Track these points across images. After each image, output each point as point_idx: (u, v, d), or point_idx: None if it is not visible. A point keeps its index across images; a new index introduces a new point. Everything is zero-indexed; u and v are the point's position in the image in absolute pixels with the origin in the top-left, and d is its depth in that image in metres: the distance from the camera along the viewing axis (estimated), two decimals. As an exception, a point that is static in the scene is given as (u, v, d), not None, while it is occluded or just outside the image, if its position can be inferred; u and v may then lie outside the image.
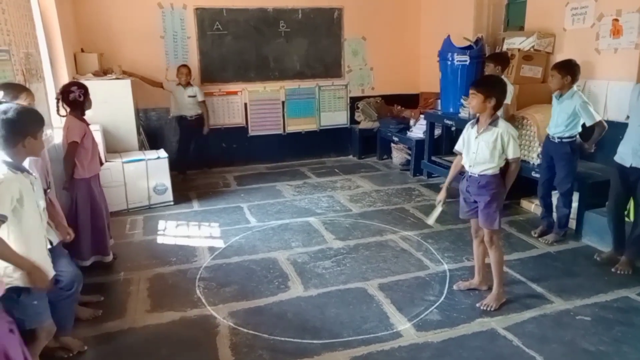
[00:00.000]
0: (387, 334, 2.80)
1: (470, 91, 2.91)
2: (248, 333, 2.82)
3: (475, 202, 3.04)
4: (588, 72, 4.50)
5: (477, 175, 2.96)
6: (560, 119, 3.87)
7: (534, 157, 4.53)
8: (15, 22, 3.32)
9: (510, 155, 2.87)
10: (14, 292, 1.99)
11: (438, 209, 3.19)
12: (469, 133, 3.01)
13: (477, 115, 2.99)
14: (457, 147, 3.13)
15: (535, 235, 4.15)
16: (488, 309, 3.03)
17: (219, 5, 6.36)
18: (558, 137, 3.90)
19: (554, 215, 4.15)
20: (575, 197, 4.11)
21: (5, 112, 1.93)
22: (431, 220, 3.28)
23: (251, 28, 6.57)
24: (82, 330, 2.82)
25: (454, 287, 3.33)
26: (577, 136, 3.90)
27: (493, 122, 2.88)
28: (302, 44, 6.85)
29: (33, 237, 2.04)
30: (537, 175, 4.43)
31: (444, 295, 3.24)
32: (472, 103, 2.94)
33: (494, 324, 2.88)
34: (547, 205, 4.22)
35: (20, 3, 3.55)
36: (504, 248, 3.89)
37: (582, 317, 2.95)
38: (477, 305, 3.08)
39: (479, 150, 2.91)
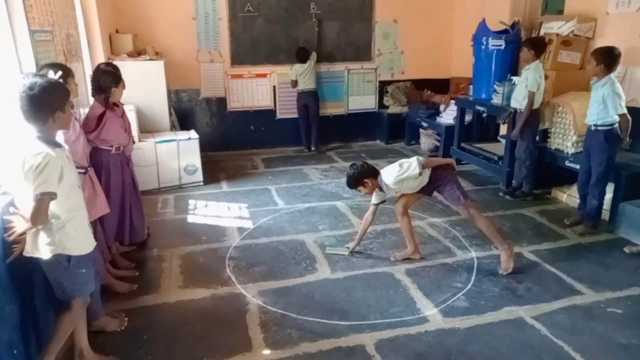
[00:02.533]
0: (414, 318, 2.82)
1: None
2: (277, 312, 2.89)
3: None
4: (631, 59, 4.33)
5: None
6: (593, 106, 3.78)
7: (569, 146, 4.43)
8: (58, 3, 3.41)
9: None
10: (66, 261, 2.09)
11: (344, 253, 3.59)
12: None
13: None
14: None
15: (568, 223, 4.07)
16: (508, 271, 3.28)
17: (251, -13, 6.36)
18: (594, 125, 3.80)
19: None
20: (611, 188, 4.01)
21: (31, 89, 1.91)
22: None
23: (282, 10, 6.55)
24: (120, 303, 2.95)
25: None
26: (616, 126, 3.77)
27: None
28: (333, 27, 6.80)
29: (76, 208, 2.12)
30: (571, 165, 4.35)
31: (472, 282, 3.23)
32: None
33: (522, 313, 2.87)
34: (583, 196, 4.13)
35: (61, -16, 3.63)
36: (535, 238, 3.87)
37: (613, 310, 2.90)
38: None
39: None
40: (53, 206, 1.97)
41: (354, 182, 3.36)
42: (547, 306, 2.94)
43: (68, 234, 2.06)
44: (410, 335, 2.67)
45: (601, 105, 3.69)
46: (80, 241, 2.14)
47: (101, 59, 4.77)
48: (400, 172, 3.26)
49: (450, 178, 3.33)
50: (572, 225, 4.06)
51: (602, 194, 3.93)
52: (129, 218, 3.42)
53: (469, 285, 3.19)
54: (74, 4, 4.03)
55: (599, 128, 3.77)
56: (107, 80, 3.12)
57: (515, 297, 3.05)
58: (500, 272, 3.31)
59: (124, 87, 3.29)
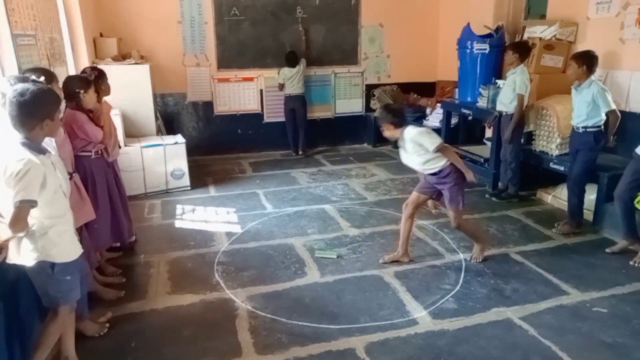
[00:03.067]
0: (403, 320, 2.84)
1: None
2: (266, 317, 2.87)
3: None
4: (612, 62, 4.43)
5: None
6: (581, 108, 3.84)
7: (553, 148, 4.50)
8: (41, 7, 3.36)
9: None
10: (49, 267, 2.05)
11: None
12: None
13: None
14: None
15: (556, 226, 4.12)
16: (478, 260, 3.52)
17: (237, -9, 6.35)
18: (582, 127, 3.87)
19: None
20: (594, 189, 4.08)
21: (22, 95, 1.88)
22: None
23: (268, 14, 6.55)
24: (106, 310, 2.89)
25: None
26: (602, 127, 3.85)
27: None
28: (319, 31, 6.82)
29: (59, 215, 2.08)
30: (556, 167, 4.42)
31: (460, 284, 3.26)
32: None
33: (510, 314, 2.90)
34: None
35: (44, -13, 3.59)
36: (521, 239, 3.92)
37: (599, 309, 2.95)
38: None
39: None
40: (35, 212, 1.94)
41: (382, 119, 3.37)
42: (534, 307, 2.98)
43: (51, 240, 2.04)
44: (400, 337, 2.68)
45: (591, 104, 3.75)
46: (65, 248, 2.11)
47: (85, 63, 4.71)
48: (423, 134, 3.25)
49: (460, 182, 3.33)
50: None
51: (582, 192, 4.00)
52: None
53: (458, 287, 3.22)
54: (58, 8, 3.98)
55: (589, 129, 3.84)
56: (75, 84, 2.95)
57: (502, 298, 3.08)
58: (470, 259, 3.55)
59: (102, 93, 3.22)
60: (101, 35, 5.70)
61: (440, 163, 3.27)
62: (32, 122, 1.93)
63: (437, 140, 3.22)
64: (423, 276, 3.37)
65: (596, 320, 2.84)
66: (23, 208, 1.87)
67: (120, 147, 3.75)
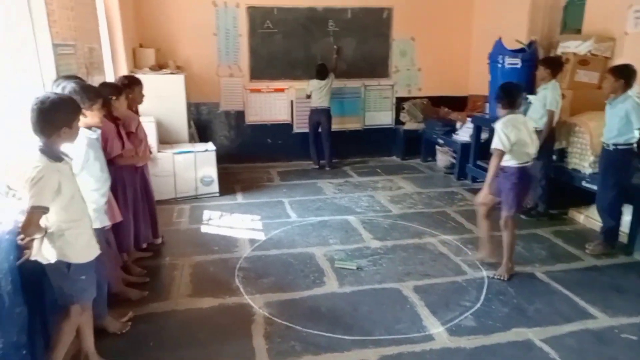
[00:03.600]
0: (419, 335, 2.80)
1: None
2: (282, 324, 2.90)
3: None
4: (650, 79, 4.26)
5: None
6: (612, 123, 3.72)
7: (586, 166, 4.35)
8: (82, 18, 3.56)
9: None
10: (66, 267, 2.15)
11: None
12: None
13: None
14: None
15: (587, 246, 3.97)
16: (502, 278, 3.45)
17: (271, 4, 6.51)
18: (613, 144, 3.73)
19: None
20: (629, 210, 3.92)
21: (42, 103, 1.94)
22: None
23: (300, 27, 6.67)
24: (130, 309, 3.00)
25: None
26: (635, 145, 3.70)
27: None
28: (350, 44, 6.88)
29: (76, 219, 2.16)
30: (588, 185, 4.27)
31: (481, 302, 3.19)
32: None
33: (531, 335, 2.81)
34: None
35: (87, 1, 3.81)
36: (548, 259, 3.80)
37: (627, 336, 2.82)
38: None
39: None
40: (53, 216, 2.03)
41: (498, 96, 3.41)
42: (557, 329, 2.88)
43: (68, 241, 2.12)
44: (414, 352, 2.65)
45: (623, 119, 3.63)
46: (81, 249, 2.19)
47: (124, 71, 4.94)
48: (497, 130, 3.30)
49: (519, 187, 3.37)
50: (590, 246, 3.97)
51: (616, 212, 3.85)
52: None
53: (478, 305, 3.15)
54: (99, 20, 4.20)
55: (620, 147, 3.70)
56: (105, 91, 3.06)
57: (524, 318, 2.99)
58: (494, 276, 3.50)
59: (132, 100, 3.36)
60: (141, 45, 5.96)
61: (509, 162, 3.34)
62: (50, 130, 1.99)
63: (496, 143, 3.29)
64: (443, 292, 3.32)
65: (624, 347, 2.72)
66: (34, 213, 1.94)
67: (151, 152, 3.89)
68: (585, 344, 2.73)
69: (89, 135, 2.52)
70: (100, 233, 2.53)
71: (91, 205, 2.42)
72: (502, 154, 3.29)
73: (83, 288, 2.24)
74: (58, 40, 2.94)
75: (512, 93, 3.38)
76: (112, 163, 3.13)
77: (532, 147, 3.38)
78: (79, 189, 2.21)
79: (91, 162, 2.50)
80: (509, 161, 3.34)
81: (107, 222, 2.73)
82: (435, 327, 2.88)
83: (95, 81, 3.37)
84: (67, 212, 2.10)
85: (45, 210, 1.97)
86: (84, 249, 2.22)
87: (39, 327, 2.30)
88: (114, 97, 3.08)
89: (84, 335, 2.37)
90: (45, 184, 1.95)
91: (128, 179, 3.31)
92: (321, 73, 6.37)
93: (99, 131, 2.66)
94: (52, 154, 2.04)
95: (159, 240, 3.97)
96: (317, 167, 6.70)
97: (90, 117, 2.47)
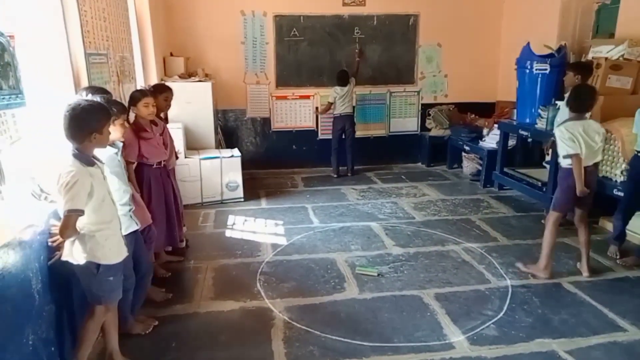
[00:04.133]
0: (439, 344, 2.77)
1: None
2: (301, 328, 2.92)
3: None
4: (686, 84, 4.11)
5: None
6: None
7: (617, 174, 4.21)
8: (114, 28, 3.72)
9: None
10: (95, 268, 2.23)
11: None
12: None
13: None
14: None
15: (617, 257, 3.85)
16: (528, 271, 3.58)
17: (297, 12, 6.60)
18: (645, 152, 3.62)
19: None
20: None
21: (74, 109, 2.01)
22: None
23: (326, 34, 6.74)
24: (154, 310, 3.09)
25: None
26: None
27: None
28: (376, 50, 6.90)
29: (106, 221, 2.24)
30: (619, 194, 4.13)
31: (504, 311, 3.12)
32: None
33: (555, 346, 2.74)
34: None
35: (120, 12, 3.97)
36: (577, 269, 3.70)
37: (659, 350, 2.71)
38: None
39: None
40: (84, 219, 2.11)
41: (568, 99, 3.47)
42: (584, 341, 2.79)
43: (98, 243, 2.20)
44: (433, 361, 2.62)
45: None
46: (110, 251, 2.26)
47: (154, 80, 5.10)
48: (559, 128, 3.39)
49: (568, 189, 3.40)
50: (622, 257, 3.84)
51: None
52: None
53: (501, 314, 3.09)
54: (131, 29, 4.36)
55: None
56: (131, 97, 3.18)
57: (549, 328, 2.92)
58: (523, 267, 3.65)
59: (160, 107, 3.47)
60: (171, 54, 6.14)
61: (563, 161, 3.42)
62: (82, 135, 2.08)
63: (567, 150, 3.32)
64: (465, 300, 3.27)
65: (654, 361, 2.62)
66: (71, 217, 2.03)
67: (177, 157, 4.01)
68: (613, 357, 2.64)
69: (107, 152, 2.54)
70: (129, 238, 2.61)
71: None
72: (579, 158, 3.29)
73: (111, 288, 2.32)
74: (91, 50, 3.08)
75: (580, 95, 3.39)
76: (141, 166, 3.26)
77: (593, 153, 3.39)
78: (110, 192, 2.29)
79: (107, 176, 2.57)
80: (567, 164, 3.38)
81: (133, 227, 2.80)
82: (456, 336, 2.84)
83: (126, 89, 3.50)
84: (98, 214, 2.18)
85: (80, 212, 2.06)
86: (113, 251, 2.29)
87: (66, 324, 2.40)
88: (132, 105, 3.21)
89: (108, 335, 2.45)
90: (79, 188, 2.03)
91: (158, 184, 3.42)
92: (342, 79, 6.37)
93: (120, 144, 2.73)
94: (85, 159, 2.12)
95: (183, 244, 4.06)
96: (335, 176, 6.61)
97: (112, 132, 2.54)
